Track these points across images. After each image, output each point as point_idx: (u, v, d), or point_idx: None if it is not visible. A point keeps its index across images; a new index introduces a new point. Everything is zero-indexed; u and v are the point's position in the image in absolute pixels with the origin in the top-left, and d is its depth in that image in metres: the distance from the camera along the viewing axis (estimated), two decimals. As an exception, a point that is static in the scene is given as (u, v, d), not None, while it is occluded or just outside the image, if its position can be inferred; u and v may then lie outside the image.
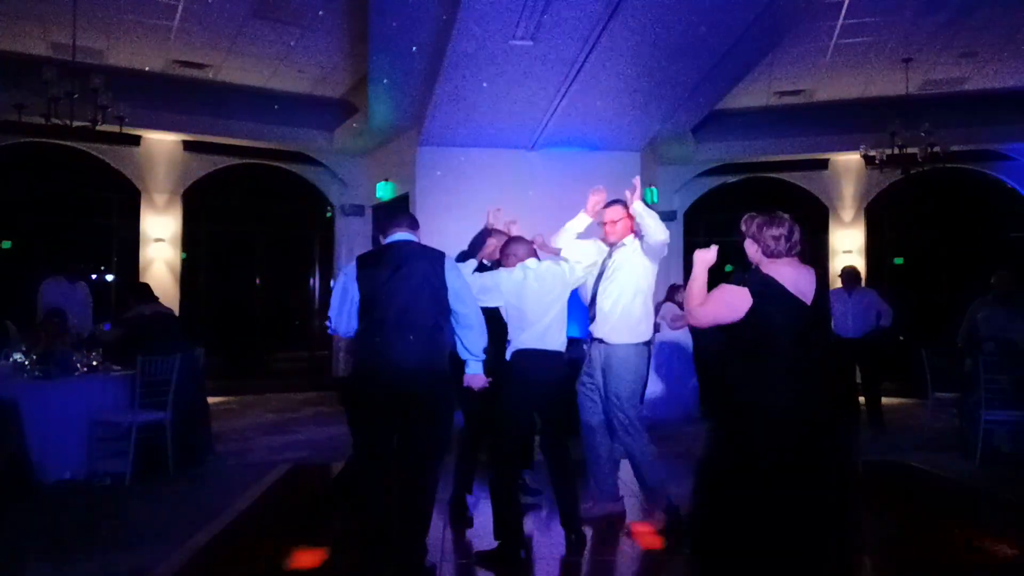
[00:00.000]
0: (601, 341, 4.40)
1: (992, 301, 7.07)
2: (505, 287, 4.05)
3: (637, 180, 4.32)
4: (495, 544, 3.89)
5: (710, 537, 3.03)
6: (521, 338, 4.03)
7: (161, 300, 6.58)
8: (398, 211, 3.84)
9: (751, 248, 3.16)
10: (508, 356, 4.07)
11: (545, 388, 4.03)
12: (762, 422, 2.94)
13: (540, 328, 4.02)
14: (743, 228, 3.19)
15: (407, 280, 3.51)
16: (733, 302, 3.00)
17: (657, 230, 4.18)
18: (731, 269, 3.38)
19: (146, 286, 6.69)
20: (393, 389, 3.45)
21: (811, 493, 2.91)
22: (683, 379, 8.49)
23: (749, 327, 2.99)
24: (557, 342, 4.09)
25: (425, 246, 3.68)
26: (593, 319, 4.43)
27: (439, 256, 3.60)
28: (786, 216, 3.17)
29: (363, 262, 3.66)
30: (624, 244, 4.46)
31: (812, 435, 2.97)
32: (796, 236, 3.13)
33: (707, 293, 3.14)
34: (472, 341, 3.69)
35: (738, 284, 3.05)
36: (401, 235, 3.67)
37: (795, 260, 3.12)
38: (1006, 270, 7.20)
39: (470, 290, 3.69)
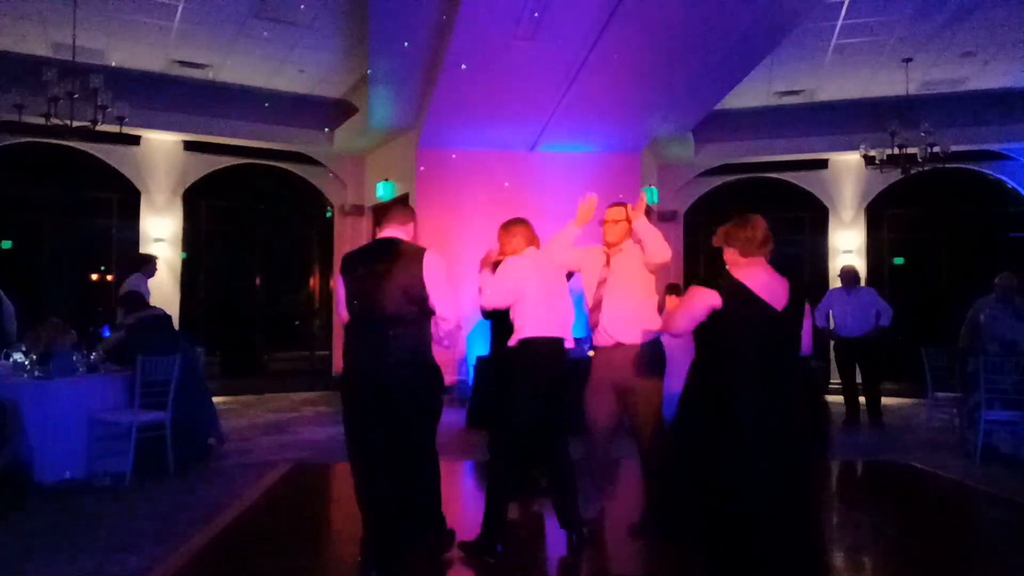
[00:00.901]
0: (619, 344, 4.32)
1: (994, 302, 7.06)
2: (515, 272, 4.06)
3: (642, 199, 4.27)
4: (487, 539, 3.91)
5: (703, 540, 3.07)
6: (527, 326, 4.02)
7: (161, 300, 6.58)
8: (391, 208, 3.88)
9: (729, 255, 3.25)
10: (514, 344, 4.06)
11: (551, 378, 4.01)
12: (729, 427, 2.98)
13: (544, 314, 4.03)
14: (717, 240, 3.28)
15: (385, 277, 3.57)
16: (704, 301, 3.08)
17: (655, 254, 4.13)
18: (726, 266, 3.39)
19: (138, 295, 6.68)
20: (375, 384, 3.52)
21: (782, 500, 2.96)
22: (680, 379, 8.47)
23: (717, 330, 3.07)
24: (562, 329, 4.10)
25: (406, 243, 3.71)
26: (596, 325, 4.40)
27: (418, 252, 3.63)
28: (756, 217, 3.22)
29: (347, 259, 3.78)
30: (623, 249, 4.44)
31: (780, 441, 3.00)
32: (765, 235, 3.18)
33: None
34: (445, 337, 3.72)
35: (708, 287, 3.12)
36: (387, 232, 3.75)
37: (768, 267, 3.17)
38: (1009, 271, 7.19)
39: (445, 290, 3.66)
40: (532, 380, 3.98)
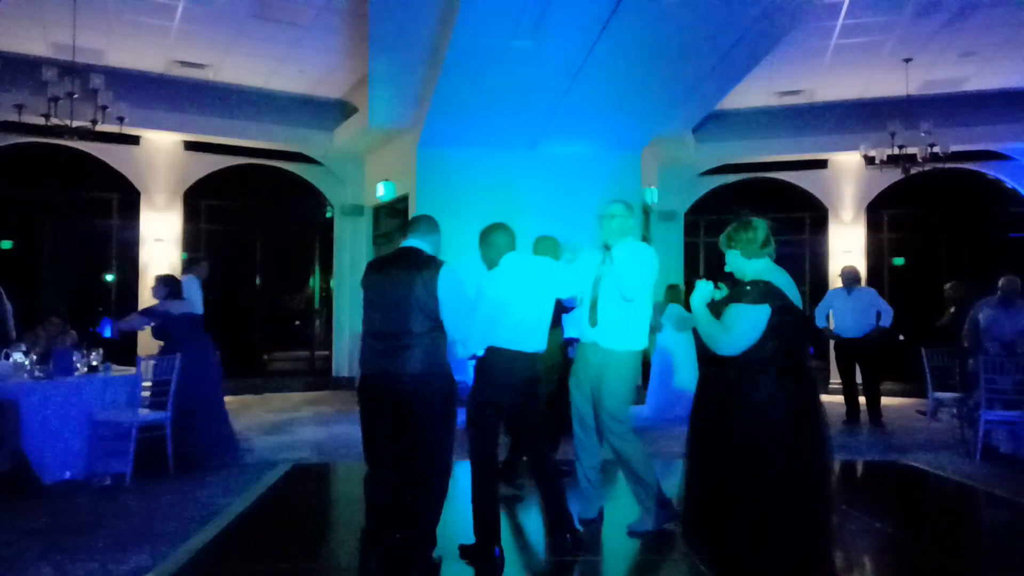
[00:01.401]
0: (597, 346, 4.34)
1: (996, 303, 7.08)
2: (492, 296, 3.98)
3: None
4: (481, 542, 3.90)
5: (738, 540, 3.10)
6: (496, 334, 3.95)
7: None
8: (416, 217, 3.87)
9: (733, 258, 3.33)
10: (481, 352, 4.03)
11: (517, 389, 3.98)
12: (771, 424, 3.04)
13: (517, 325, 3.95)
14: (724, 243, 3.35)
15: (402, 287, 3.56)
16: (759, 323, 3.09)
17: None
18: (729, 270, 3.41)
19: (179, 283, 6.61)
20: (390, 394, 3.52)
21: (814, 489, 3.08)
22: (683, 380, 8.49)
23: (766, 339, 3.11)
24: (535, 343, 4.03)
25: (426, 255, 3.67)
26: (592, 324, 4.40)
27: (436, 265, 3.59)
28: (757, 219, 3.34)
29: (369, 267, 3.80)
30: (627, 248, 4.43)
31: (809, 435, 3.09)
32: (767, 236, 3.31)
33: (719, 321, 3.21)
34: (456, 351, 3.72)
35: (752, 301, 3.12)
36: (409, 241, 3.73)
37: (780, 268, 3.29)
38: (1010, 271, 7.20)
39: (459, 303, 3.62)
40: (492, 390, 3.96)
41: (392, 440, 3.55)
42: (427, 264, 3.60)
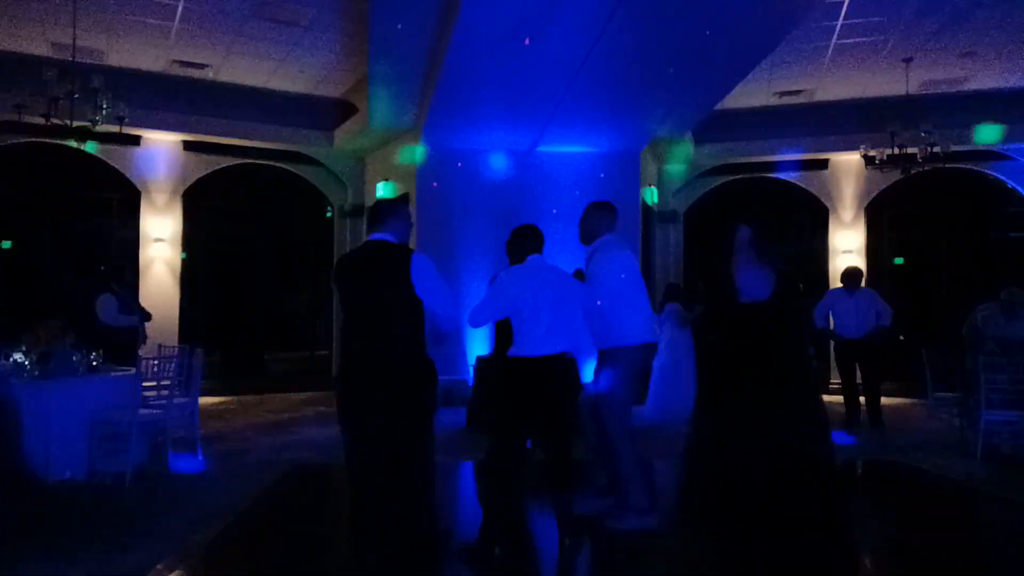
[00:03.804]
0: (597, 348, 4.42)
1: (997, 309, 7.10)
2: (509, 287, 4.02)
3: None
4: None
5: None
6: (524, 343, 3.99)
7: (161, 300, 6.54)
8: (378, 210, 3.83)
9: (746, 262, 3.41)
10: (509, 356, 4.06)
11: (541, 397, 3.99)
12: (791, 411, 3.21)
13: (534, 330, 3.97)
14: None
15: (373, 280, 3.56)
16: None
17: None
18: None
19: None
20: (367, 385, 3.51)
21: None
22: (683, 379, 8.48)
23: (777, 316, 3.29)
24: (557, 345, 4.04)
25: (393, 245, 3.65)
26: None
27: (406, 254, 3.57)
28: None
29: (339, 264, 3.81)
30: (597, 248, 4.45)
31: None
32: None
33: None
34: (444, 330, 3.73)
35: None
36: (374, 235, 3.70)
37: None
38: (1017, 287, 7.19)
39: (437, 282, 3.59)
40: (521, 399, 3.98)
41: (373, 432, 3.52)
42: (397, 254, 3.58)
